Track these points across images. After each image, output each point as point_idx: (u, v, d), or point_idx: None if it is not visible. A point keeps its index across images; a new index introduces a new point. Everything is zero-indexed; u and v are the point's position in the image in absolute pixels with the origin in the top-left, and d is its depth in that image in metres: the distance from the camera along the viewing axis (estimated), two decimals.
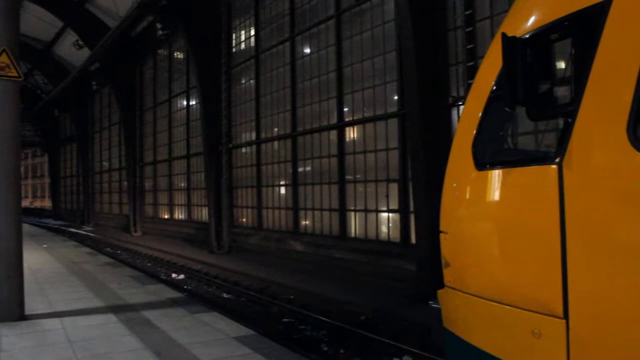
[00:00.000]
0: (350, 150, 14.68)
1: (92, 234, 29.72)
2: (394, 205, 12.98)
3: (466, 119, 3.26)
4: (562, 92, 2.55)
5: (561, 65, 2.86)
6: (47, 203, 56.55)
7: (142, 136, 29.83)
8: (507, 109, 2.72)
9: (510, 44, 2.54)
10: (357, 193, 14.35)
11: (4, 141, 6.27)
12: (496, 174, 2.84)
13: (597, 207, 2.22)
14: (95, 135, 38.37)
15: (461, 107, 10.69)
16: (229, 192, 20.47)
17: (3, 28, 6.35)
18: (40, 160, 60.56)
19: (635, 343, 2.07)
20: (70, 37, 30.25)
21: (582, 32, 2.39)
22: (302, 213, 16.72)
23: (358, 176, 14.39)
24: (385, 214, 13.42)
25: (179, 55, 25.42)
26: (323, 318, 9.12)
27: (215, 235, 19.86)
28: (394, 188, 13.01)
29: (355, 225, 14.44)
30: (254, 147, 19.29)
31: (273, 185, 18.39)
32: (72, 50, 30.24)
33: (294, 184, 16.93)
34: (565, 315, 2.30)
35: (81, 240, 24.57)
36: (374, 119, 13.68)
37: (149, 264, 17.71)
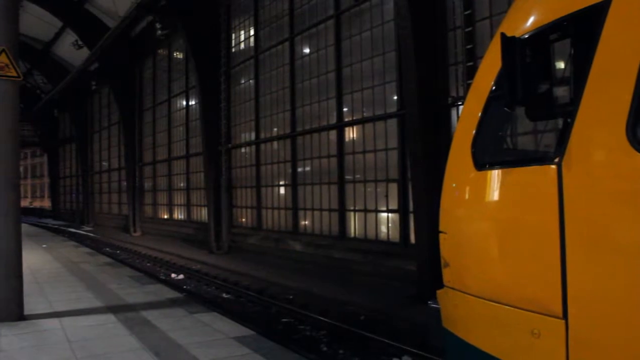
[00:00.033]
0: (349, 151, 14.68)
1: (91, 234, 29.71)
2: (394, 205, 12.98)
3: (465, 119, 3.26)
4: (562, 92, 2.55)
5: (560, 65, 2.86)
6: (46, 203, 56.59)
7: (142, 136, 29.83)
8: (506, 109, 2.73)
9: (510, 44, 2.54)
10: (356, 193, 14.35)
11: (3, 141, 6.26)
12: (495, 174, 2.84)
13: (596, 207, 2.22)
14: (94, 135, 38.35)
15: (460, 107, 10.69)
16: (229, 192, 20.47)
17: (2, 28, 6.34)
18: (40, 160, 60.63)
19: (634, 343, 2.07)
20: (70, 37, 30.23)
21: (582, 32, 2.39)
22: (301, 213, 16.72)
23: (357, 176, 14.39)
24: (384, 214, 13.42)
25: (178, 55, 25.42)
26: (322, 318, 9.12)
27: (215, 235, 19.86)
28: (393, 188, 13.01)
29: (354, 225, 14.44)
30: (254, 147, 19.29)
31: (272, 186, 18.39)
32: (71, 50, 30.20)
33: (294, 184, 16.93)
34: (565, 316, 2.30)
35: (80, 240, 24.56)
36: (373, 119, 13.69)
37: (148, 264, 17.70)
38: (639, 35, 2.14)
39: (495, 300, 2.72)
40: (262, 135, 18.84)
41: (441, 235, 3.33)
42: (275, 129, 18.12)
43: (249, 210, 19.76)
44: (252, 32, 19.40)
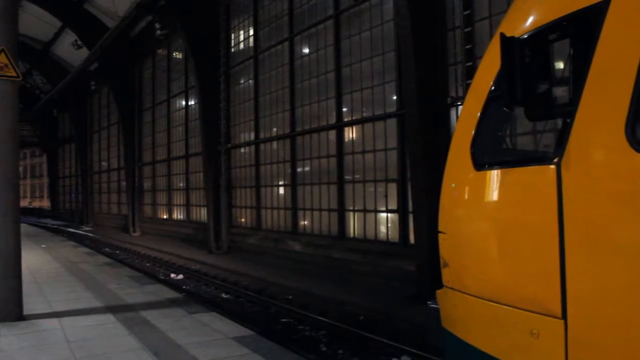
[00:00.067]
0: (349, 151, 14.68)
1: (90, 234, 29.70)
2: (393, 205, 12.98)
3: (465, 119, 3.27)
4: (561, 93, 2.55)
5: (560, 65, 2.86)
6: (45, 203, 56.57)
7: (141, 136, 29.82)
8: (505, 109, 2.73)
9: (509, 44, 2.54)
10: (355, 193, 14.35)
11: (3, 141, 6.26)
12: (495, 174, 2.85)
13: (595, 207, 2.22)
14: (94, 135, 38.34)
15: (460, 107, 10.69)
16: (228, 192, 20.47)
17: (2, 28, 6.33)
18: (39, 160, 60.62)
19: (633, 343, 2.07)
20: (69, 37, 30.22)
21: (581, 32, 2.39)
22: (300, 213, 16.72)
23: (357, 176, 14.39)
24: (384, 214, 13.43)
25: (177, 55, 25.41)
26: (322, 318, 9.12)
27: (214, 235, 19.86)
28: (392, 188, 13.01)
29: (354, 225, 14.44)
30: (253, 147, 19.29)
31: (272, 186, 18.39)
32: (71, 50, 30.20)
33: (293, 184, 16.93)
34: (564, 316, 2.30)
35: (80, 240, 24.56)
36: (372, 119, 13.69)
37: (147, 264, 17.70)
38: (638, 36, 2.14)
39: (494, 301, 2.72)
40: (262, 135, 18.84)
41: (440, 236, 3.34)
42: (275, 129, 18.12)
43: (248, 210, 19.75)
44: (251, 32, 19.39)
